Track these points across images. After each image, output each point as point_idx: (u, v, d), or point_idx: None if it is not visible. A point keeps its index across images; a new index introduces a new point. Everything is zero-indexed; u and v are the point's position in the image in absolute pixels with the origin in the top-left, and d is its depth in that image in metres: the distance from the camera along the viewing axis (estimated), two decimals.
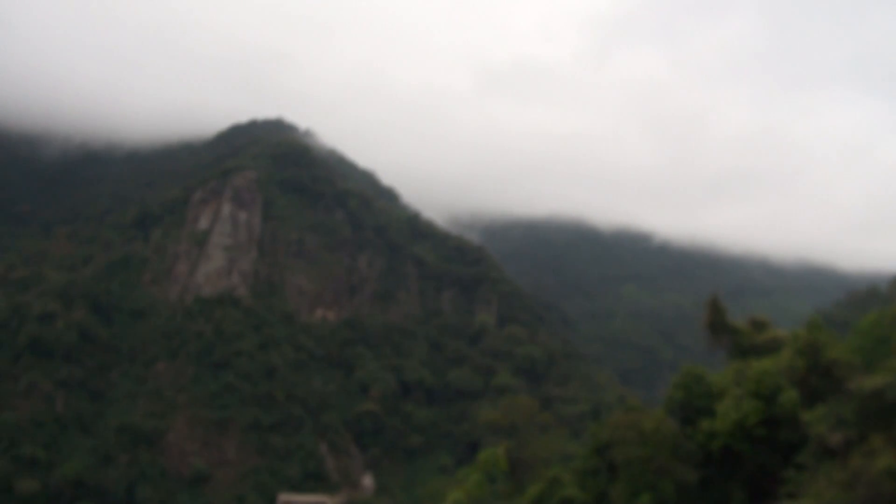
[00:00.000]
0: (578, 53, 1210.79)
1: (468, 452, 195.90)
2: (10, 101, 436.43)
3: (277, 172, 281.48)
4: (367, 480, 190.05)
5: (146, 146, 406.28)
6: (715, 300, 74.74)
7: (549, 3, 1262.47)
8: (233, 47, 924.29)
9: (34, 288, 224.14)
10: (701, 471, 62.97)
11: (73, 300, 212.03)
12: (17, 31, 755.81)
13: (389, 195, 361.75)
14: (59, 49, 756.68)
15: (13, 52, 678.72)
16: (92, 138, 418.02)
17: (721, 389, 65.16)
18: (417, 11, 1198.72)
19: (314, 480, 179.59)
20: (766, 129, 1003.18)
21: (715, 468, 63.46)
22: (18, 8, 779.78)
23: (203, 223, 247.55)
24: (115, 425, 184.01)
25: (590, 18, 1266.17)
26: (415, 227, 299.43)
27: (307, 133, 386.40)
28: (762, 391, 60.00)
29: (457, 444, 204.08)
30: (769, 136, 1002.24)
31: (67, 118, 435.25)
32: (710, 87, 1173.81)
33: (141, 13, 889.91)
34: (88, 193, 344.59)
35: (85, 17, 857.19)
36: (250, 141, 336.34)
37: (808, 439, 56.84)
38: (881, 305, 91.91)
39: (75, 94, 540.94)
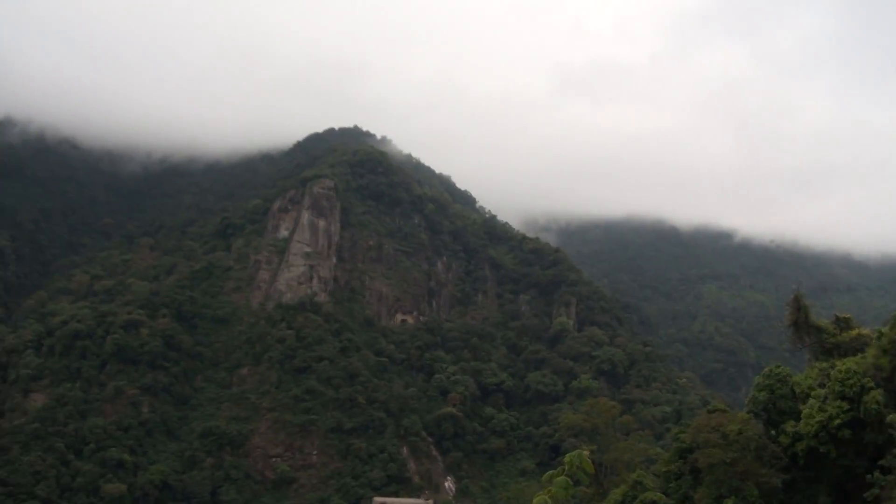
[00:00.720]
0: (656, 51, 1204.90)
1: (549, 456, 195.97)
2: (93, 119, 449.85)
3: (355, 180, 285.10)
4: (449, 483, 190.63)
5: (226, 158, 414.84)
6: (798, 298, 72.81)
7: (626, 3, 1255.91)
8: (310, 59, 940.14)
9: (119, 298, 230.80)
10: (786, 474, 62.02)
11: (157, 309, 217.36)
12: (100, 55, 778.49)
13: (466, 199, 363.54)
14: (140, 69, 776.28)
15: (96, 74, 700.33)
16: (173, 152, 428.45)
17: (805, 390, 64.03)
18: (493, 19, 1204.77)
19: (396, 483, 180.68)
20: (847, 122, 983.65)
21: (800, 471, 62.44)
22: (101, 34, 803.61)
23: (283, 231, 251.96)
24: (200, 429, 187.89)
25: (667, 16, 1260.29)
26: (491, 231, 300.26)
27: (383, 140, 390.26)
28: (847, 392, 58.70)
29: (537, 448, 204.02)
30: (850, 130, 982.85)
31: (149, 134, 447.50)
32: (790, 81, 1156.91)
33: (220, 31, 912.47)
34: (170, 206, 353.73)
35: (164, 38, 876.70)
36: (328, 150, 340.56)
37: (894, 441, 55.72)
38: None
39: (156, 111, 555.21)
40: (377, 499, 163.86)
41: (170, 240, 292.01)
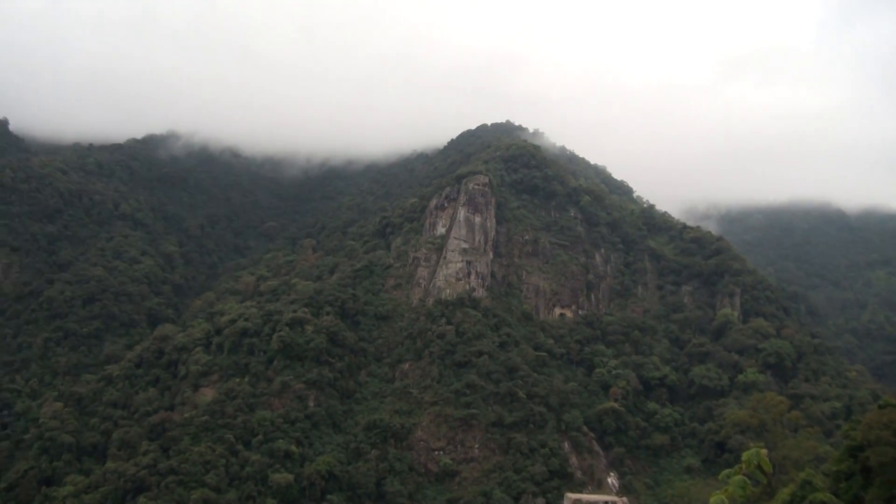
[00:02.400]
0: (818, 28, 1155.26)
1: (714, 453, 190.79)
2: (254, 129, 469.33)
3: (509, 174, 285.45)
4: (612, 480, 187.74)
5: (383, 159, 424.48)
6: None
7: None
8: (462, 58, 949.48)
9: (284, 297, 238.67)
10: None
11: (321, 306, 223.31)
12: (259, 67, 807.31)
13: (622, 189, 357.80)
14: (297, 79, 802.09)
15: (255, 85, 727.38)
16: (332, 156, 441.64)
17: None
18: (655, 11, 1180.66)
19: (558, 478, 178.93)
20: None
21: None
22: (258, 47, 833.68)
23: (440, 228, 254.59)
24: (364, 422, 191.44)
25: None
26: (650, 221, 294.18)
27: (536, 133, 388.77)
28: None
29: (702, 444, 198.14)
30: None
31: (308, 140, 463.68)
32: None
33: (373, 37, 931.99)
34: (331, 207, 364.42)
35: (320, 47, 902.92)
36: (481, 146, 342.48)
37: None
38: None
39: (315, 117, 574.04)
40: (570, 495, 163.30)
41: (331, 240, 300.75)
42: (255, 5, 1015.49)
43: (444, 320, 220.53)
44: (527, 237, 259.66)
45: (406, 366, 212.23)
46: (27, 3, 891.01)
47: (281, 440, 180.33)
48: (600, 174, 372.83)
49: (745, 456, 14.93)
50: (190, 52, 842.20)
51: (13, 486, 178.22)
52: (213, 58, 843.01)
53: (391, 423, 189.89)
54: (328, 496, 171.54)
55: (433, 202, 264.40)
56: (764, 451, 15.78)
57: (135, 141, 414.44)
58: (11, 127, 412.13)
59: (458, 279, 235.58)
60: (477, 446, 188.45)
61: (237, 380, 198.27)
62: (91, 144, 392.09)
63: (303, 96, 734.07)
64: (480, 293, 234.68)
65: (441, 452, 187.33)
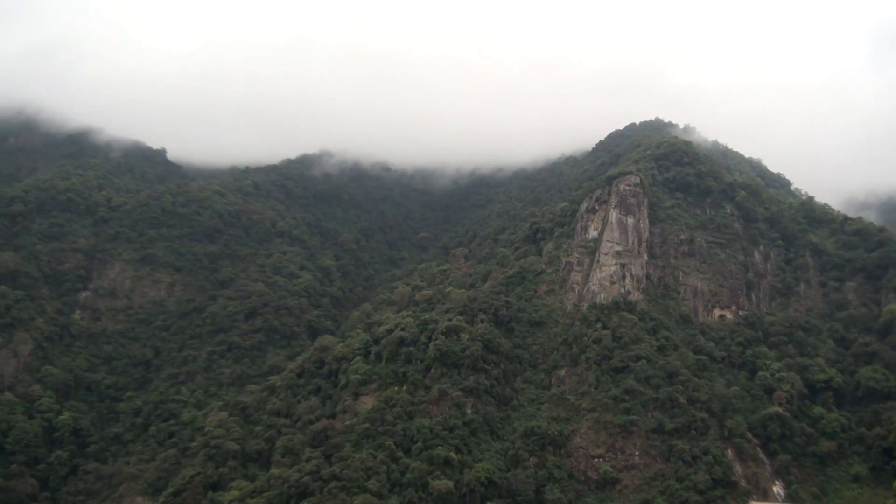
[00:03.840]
0: None
1: (882, 459, 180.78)
2: (403, 143, 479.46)
3: (660, 173, 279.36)
4: (777, 489, 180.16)
5: (530, 165, 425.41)
6: None
7: None
8: (608, 57, 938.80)
9: (439, 306, 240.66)
10: None
11: (475, 314, 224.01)
12: (408, 79, 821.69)
13: (779, 182, 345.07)
14: (444, 91, 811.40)
15: (405, 98, 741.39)
16: (481, 165, 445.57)
17: None
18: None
19: (722, 487, 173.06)
20: None
21: None
22: (404, 63, 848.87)
23: (592, 232, 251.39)
24: (522, 429, 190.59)
25: None
26: (809, 213, 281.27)
27: (686, 129, 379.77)
28: None
29: (870, 451, 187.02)
30: None
31: (457, 150, 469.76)
32: None
33: (519, 46, 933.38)
34: (481, 215, 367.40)
35: (466, 59, 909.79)
36: (630, 145, 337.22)
37: None
38: None
39: (463, 128, 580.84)
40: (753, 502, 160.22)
41: (483, 248, 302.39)
42: (399, 23, 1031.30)
43: (599, 325, 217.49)
44: (682, 237, 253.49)
45: (562, 372, 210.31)
46: (182, 43, 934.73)
47: (440, 447, 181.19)
48: (755, 167, 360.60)
49: None
50: (339, 74, 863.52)
51: (180, 491, 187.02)
52: (362, 77, 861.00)
53: (549, 430, 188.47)
54: (487, 503, 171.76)
55: (584, 205, 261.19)
56: None
57: (289, 161, 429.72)
58: (169, 155, 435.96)
59: (613, 282, 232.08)
60: (637, 453, 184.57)
61: (395, 388, 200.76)
62: (247, 167, 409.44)
63: (450, 107, 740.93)
64: (636, 296, 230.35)
65: (601, 460, 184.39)
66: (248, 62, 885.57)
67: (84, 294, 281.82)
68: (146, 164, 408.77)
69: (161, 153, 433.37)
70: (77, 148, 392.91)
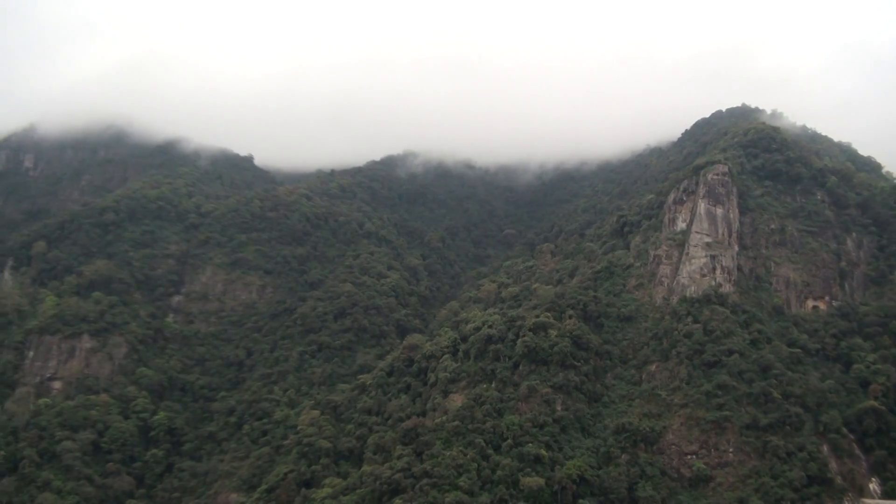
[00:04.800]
0: None
1: None
2: (487, 140, 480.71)
3: (749, 161, 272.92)
4: (874, 486, 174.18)
5: (615, 157, 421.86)
6: None
7: None
8: (692, 45, 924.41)
9: (526, 302, 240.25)
10: None
11: (563, 310, 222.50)
12: (490, 77, 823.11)
13: (870, 166, 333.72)
14: (527, 84, 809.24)
15: (487, 95, 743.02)
16: (565, 159, 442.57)
17: None
18: None
19: (817, 485, 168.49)
20: None
21: None
22: (490, 58, 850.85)
23: (680, 224, 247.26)
24: (613, 426, 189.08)
25: None
26: None
27: (774, 115, 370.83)
28: None
29: None
30: None
31: (541, 145, 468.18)
32: None
33: (601, 34, 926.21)
34: (566, 210, 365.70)
35: (549, 50, 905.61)
36: (717, 133, 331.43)
37: None
38: None
39: (546, 122, 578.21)
40: (867, 500, 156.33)
41: (569, 243, 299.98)
42: (480, 21, 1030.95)
43: (690, 319, 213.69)
44: (772, 226, 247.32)
45: (653, 367, 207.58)
46: (266, 51, 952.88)
47: (530, 444, 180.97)
48: (846, 152, 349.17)
49: None
50: (421, 75, 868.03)
51: (274, 488, 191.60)
52: (444, 76, 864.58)
53: (641, 426, 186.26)
54: (579, 500, 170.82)
55: (671, 197, 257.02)
56: None
57: (374, 163, 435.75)
58: (256, 161, 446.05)
59: (703, 275, 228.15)
60: (731, 450, 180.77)
61: (484, 385, 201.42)
62: (333, 170, 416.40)
63: (533, 102, 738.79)
64: (727, 288, 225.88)
65: (694, 457, 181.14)
66: (330, 67, 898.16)
67: (177, 298, 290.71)
68: (234, 170, 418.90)
69: (248, 159, 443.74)
70: (166, 158, 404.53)
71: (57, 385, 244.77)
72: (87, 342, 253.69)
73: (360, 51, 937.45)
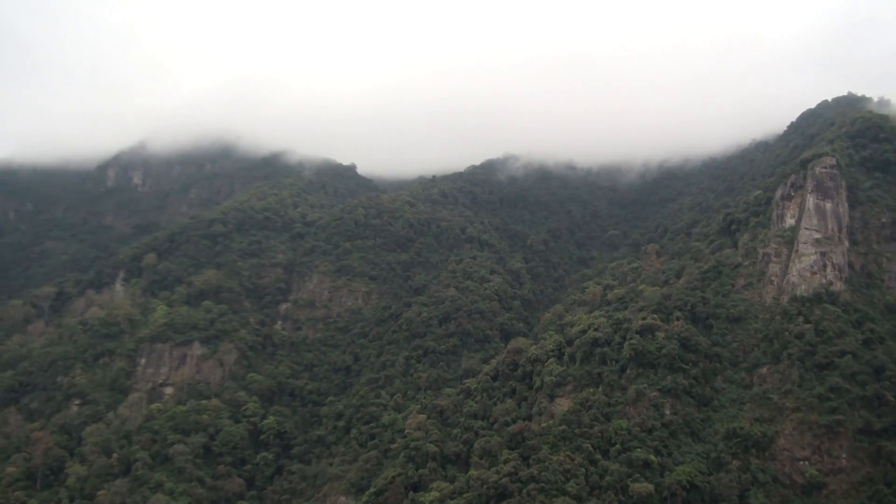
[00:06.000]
0: None
1: None
2: (588, 141, 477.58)
3: (857, 152, 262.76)
4: None
5: (720, 153, 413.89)
6: None
7: None
8: (801, 31, 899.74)
9: (632, 304, 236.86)
10: None
11: (670, 312, 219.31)
12: (590, 76, 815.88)
13: None
14: (628, 81, 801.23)
15: (588, 95, 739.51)
16: (669, 156, 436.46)
17: None
18: None
19: None
20: None
21: None
22: (589, 58, 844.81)
23: (789, 220, 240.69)
24: (723, 431, 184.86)
25: None
26: None
27: (881, 102, 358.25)
28: None
29: None
30: None
31: (644, 143, 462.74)
32: None
33: (702, 27, 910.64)
34: (671, 209, 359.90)
35: (650, 47, 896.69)
36: (824, 124, 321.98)
37: None
38: None
39: (648, 120, 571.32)
40: None
41: (675, 243, 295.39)
42: (580, 19, 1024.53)
43: (801, 319, 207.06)
44: (884, 219, 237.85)
45: (764, 370, 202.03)
46: (366, 61, 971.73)
47: (639, 449, 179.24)
48: None
49: None
50: (520, 77, 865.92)
51: (382, 491, 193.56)
52: (543, 78, 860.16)
53: (752, 431, 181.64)
54: None
55: (779, 192, 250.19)
56: None
57: (474, 167, 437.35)
58: (359, 170, 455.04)
59: (813, 273, 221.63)
60: (844, 455, 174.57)
61: (591, 389, 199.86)
62: (434, 176, 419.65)
63: (634, 100, 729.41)
64: (838, 286, 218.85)
65: (806, 462, 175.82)
66: (429, 75, 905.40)
67: (284, 305, 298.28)
68: (337, 179, 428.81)
69: (351, 168, 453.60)
70: (271, 170, 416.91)
71: (168, 391, 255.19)
72: (197, 349, 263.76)
73: (456, 58, 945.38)
